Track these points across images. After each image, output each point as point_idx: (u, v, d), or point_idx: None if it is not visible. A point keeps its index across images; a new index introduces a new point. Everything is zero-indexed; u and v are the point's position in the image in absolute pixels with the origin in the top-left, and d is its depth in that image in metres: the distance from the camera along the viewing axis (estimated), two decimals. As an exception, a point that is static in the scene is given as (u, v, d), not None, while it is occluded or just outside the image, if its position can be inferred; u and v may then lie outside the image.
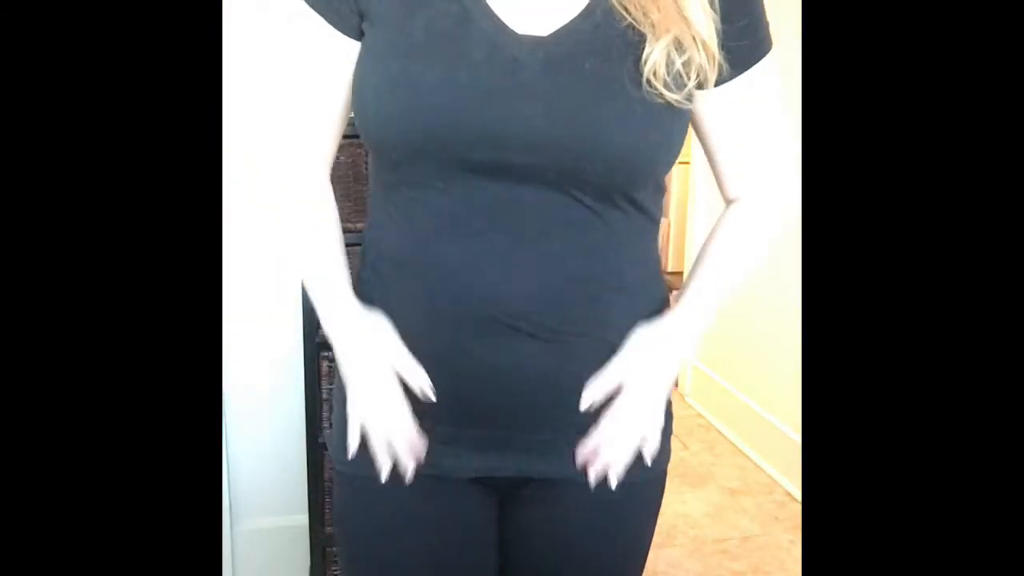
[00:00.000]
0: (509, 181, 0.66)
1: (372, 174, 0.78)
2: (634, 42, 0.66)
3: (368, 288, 0.74)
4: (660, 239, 3.17)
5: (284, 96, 0.73)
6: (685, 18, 0.65)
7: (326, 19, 0.69)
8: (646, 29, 0.65)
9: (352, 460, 0.72)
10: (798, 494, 2.22)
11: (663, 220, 3.80)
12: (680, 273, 3.13)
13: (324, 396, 1.42)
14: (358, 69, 0.69)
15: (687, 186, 2.99)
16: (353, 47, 0.70)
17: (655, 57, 0.65)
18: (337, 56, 0.70)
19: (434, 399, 0.68)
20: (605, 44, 0.66)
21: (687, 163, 3.01)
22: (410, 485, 0.70)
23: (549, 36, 0.66)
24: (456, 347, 0.69)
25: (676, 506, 2.17)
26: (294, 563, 1.62)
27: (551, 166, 0.66)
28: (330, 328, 0.74)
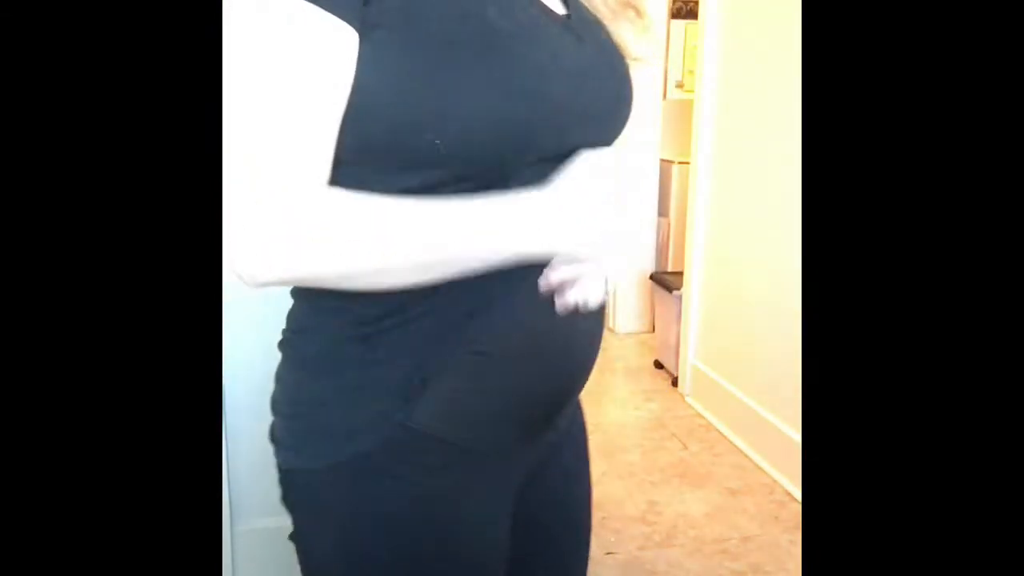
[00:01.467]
0: (563, 161, 0.63)
1: (373, 185, 0.60)
2: (599, 20, 0.72)
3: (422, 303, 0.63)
4: (660, 239, 3.18)
5: (283, 104, 0.56)
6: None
7: (321, 5, 0.54)
8: (602, 8, 0.72)
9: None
10: (798, 494, 2.22)
11: (663, 220, 3.81)
12: (680, 273, 3.13)
13: (324, 396, 1.42)
14: (399, 58, 0.56)
15: (687, 186, 2.99)
16: (354, 38, 0.55)
17: (625, 32, 0.73)
18: (341, 51, 0.55)
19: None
20: (594, 20, 0.71)
21: (687, 163, 3.02)
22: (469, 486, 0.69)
23: (568, 15, 0.68)
24: (550, 340, 0.66)
25: (676, 506, 2.17)
26: (294, 563, 1.62)
27: (605, 139, 0.68)
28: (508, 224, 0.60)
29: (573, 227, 0.62)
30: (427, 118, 0.56)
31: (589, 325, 0.70)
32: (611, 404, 2.87)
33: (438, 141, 0.56)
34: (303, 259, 0.57)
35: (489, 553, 0.72)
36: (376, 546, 0.68)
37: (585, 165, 0.63)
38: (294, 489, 0.71)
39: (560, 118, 0.62)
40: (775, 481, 2.32)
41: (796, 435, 2.26)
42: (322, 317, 0.67)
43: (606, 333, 3.70)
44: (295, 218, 0.56)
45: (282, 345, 0.72)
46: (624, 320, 3.77)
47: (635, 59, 0.74)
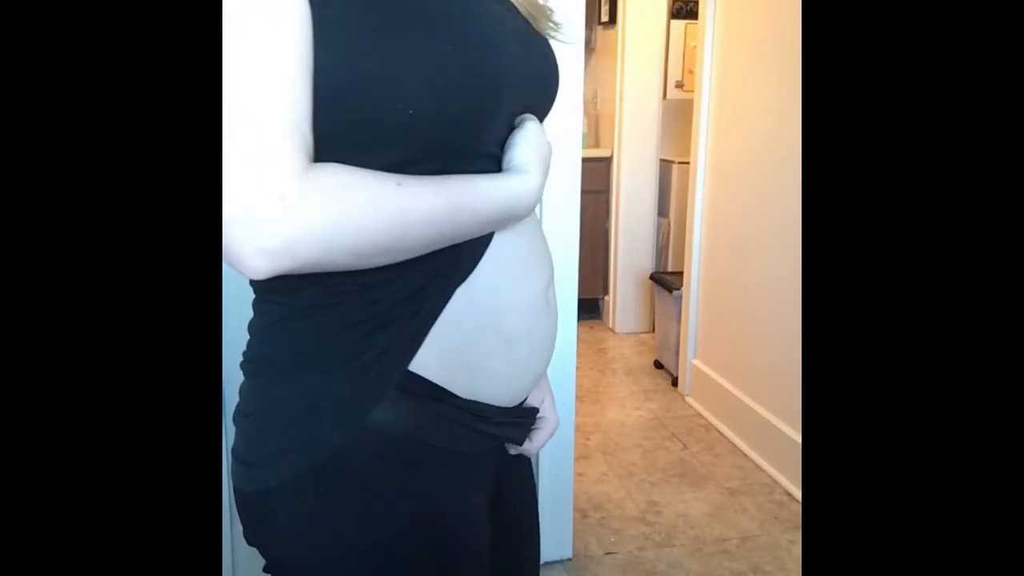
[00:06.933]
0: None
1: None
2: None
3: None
4: (660, 239, 3.17)
5: (257, 80, 0.51)
6: None
7: None
8: None
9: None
10: (798, 494, 2.22)
11: (663, 220, 3.81)
12: (680, 273, 3.13)
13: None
14: (359, 31, 0.54)
15: (687, 186, 2.99)
16: (306, 7, 0.52)
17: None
18: (298, 20, 0.52)
19: None
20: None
21: (687, 163, 3.02)
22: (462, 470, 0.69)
23: None
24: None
25: (676, 506, 2.17)
26: (294, 563, 1.62)
27: (549, 101, 0.72)
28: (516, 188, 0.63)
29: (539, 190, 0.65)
30: (397, 89, 0.54)
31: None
32: (611, 404, 2.86)
33: (411, 111, 0.54)
34: (308, 237, 0.52)
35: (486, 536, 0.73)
36: (417, 538, 0.66)
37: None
38: (272, 505, 0.66)
39: (517, 78, 0.63)
40: (775, 481, 2.32)
41: (796, 435, 2.26)
42: (298, 316, 0.64)
43: (606, 333, 3.67)
44: (292, 196, 0.51)
45: (253, 361, 0.69)
46: (624, 320, 3.77)
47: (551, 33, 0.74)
